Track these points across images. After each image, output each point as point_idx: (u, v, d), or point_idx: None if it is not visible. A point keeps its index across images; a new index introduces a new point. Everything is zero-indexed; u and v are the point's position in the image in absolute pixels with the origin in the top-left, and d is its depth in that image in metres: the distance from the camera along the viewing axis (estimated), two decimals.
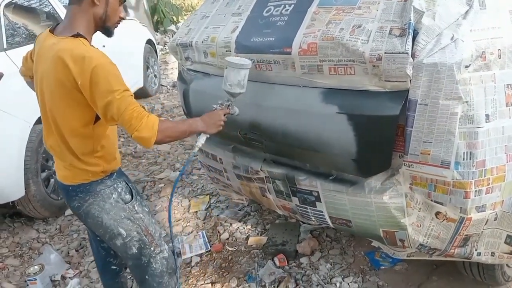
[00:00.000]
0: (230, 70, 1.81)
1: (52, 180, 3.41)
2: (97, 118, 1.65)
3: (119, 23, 1.75)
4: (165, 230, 3.14)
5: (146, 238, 1.83)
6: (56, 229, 3.35)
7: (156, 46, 6.99)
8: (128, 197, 1.81)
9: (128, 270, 2.16)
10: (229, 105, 1.89)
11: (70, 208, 1.88)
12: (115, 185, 1.78)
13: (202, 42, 2.25)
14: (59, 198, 3.44)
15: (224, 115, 1.86)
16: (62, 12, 4.09)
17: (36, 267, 2.68)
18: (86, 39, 1.61)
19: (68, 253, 3.04)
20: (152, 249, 1.85)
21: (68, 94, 1.56)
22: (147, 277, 1.89)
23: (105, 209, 1.75)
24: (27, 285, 2.66)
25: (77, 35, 1.58)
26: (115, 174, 1.81)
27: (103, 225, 1.77)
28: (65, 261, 2.92)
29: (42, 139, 3.17)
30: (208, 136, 1.85)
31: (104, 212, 1.75)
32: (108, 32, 1.72)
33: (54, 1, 4.11)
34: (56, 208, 3.40)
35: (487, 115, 1.58)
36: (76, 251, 3.05)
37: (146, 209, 1.88)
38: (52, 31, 1.67)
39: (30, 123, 3.14)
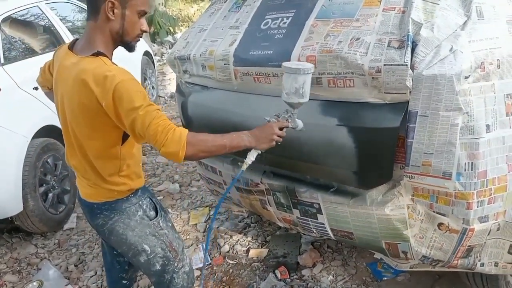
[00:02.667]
0: (286, 76, 1.62)
1: (50, 195, 3.38)
2: (124, 138, 1.61)
3: (140, 37, 1.64)
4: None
5: (171, 254, 1.80)
6: (54, 243, 3.32)
7: (153, 57, 7.00)
8: (152, 213, 1.77)
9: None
10: (288, 118, 1.68)
11: (92, 226, 1.84)
12: (140, 202, 1.74)
13: (200, 56, 2.25)
14: (58, 213, 3.41)
15: (282, 129, 1.68)
16: (59, 26, 4.10)
17: (35, 283, 2.66)
18: (107, 56, 1.54)
19: (67, 268, 3.01)
20: (175, 264, 1.82)
21: (94, 117, 1.50)
22: None
23: (130, 226, 1.71)
24: None
25: (97, 54, 1.50)
26: (140, 191, 1.76)
27: (127, 242, 1.73)
28: (64, 276, 2.89)
29: (39, 153, 3.18)
30: (259, 152, 1.68)
31: (129, 229, 1.71)
32: (129, 47, 1.62)
33: (51, 15, 4.11)
34: (54, 222, 3.37)
35: (487, 126, 1.57)
36: (75, 266, 3.02)
37: (170, 224, 1.85)
38: (71, 47, 1.60)
39: (28, 138, 3.12)
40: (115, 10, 1.49)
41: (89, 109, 1.48)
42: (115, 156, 1.62)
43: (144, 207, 1.74)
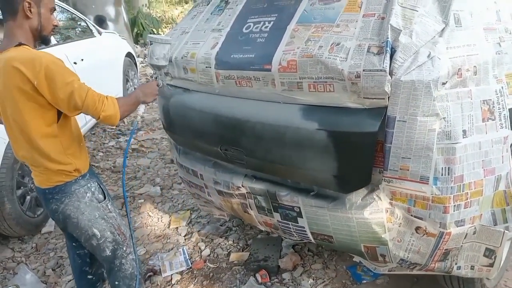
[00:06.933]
0: (155, 45, 1.98)
1: (28, 197, 3.32)
2: (58, 117, 1.75)
3: (54, 31, 1.85)
4: (145, 247, 3.08)
5: (119, 237, 1.96)
6: (32, 247, 3.26)
7: (136, 59, 6.95)
8: (101, 196, 1.91)
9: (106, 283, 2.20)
10: (156, 77, 2.07)
11: (48, 213, 1.96)
12: (88, 185, 1.87)
13: (182, 58, 2.24)
14: (35, 216, 3.35)
15: (158, 85, 2.03)
16: None
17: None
18: (29, 47, 1.70)
19: (45, 272, 2.95)
20: (124, 249, 1.98)
21: (29, 98, 1.64)
22: (116, 282, 2.02)
23: (80, 209, 1.84)
24: None
25: (20, 44, 1.67)
26: (88, 174, 1.89)
27: (78, 226, 1.87)
28: (41, 281, 2.83)
29: None
30: (147, 104, 2.08)
31: (79, 212, 1.84)
32: (46, 41, 1.82)
33: None
34: (32, 226, 3.31)
35: (464, 131, 1.60)
36: (53, 270, 2.97)
37: (117, 210, 2.00)
38: None
39: (5, 139, 3.06)
40: (32, 9, 1.69)
41: (23, 91, 1.62)
42: (54, 134, 1.75)
43: (92, 189, 1.88)
